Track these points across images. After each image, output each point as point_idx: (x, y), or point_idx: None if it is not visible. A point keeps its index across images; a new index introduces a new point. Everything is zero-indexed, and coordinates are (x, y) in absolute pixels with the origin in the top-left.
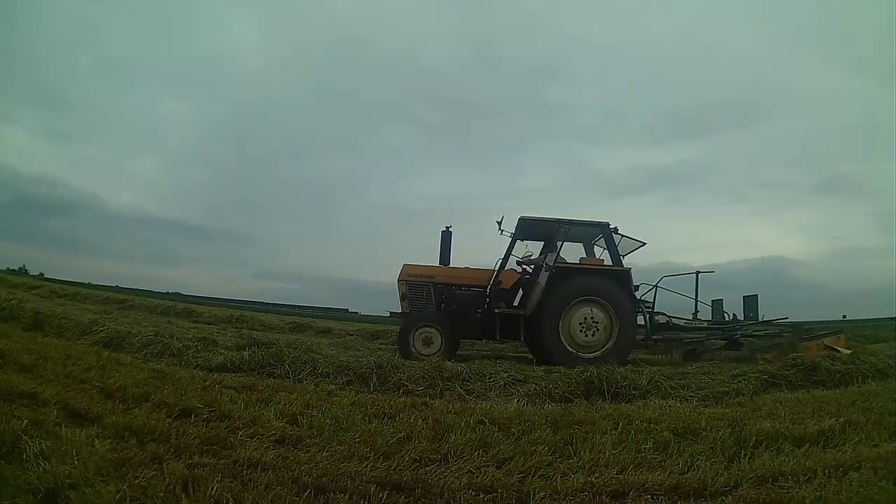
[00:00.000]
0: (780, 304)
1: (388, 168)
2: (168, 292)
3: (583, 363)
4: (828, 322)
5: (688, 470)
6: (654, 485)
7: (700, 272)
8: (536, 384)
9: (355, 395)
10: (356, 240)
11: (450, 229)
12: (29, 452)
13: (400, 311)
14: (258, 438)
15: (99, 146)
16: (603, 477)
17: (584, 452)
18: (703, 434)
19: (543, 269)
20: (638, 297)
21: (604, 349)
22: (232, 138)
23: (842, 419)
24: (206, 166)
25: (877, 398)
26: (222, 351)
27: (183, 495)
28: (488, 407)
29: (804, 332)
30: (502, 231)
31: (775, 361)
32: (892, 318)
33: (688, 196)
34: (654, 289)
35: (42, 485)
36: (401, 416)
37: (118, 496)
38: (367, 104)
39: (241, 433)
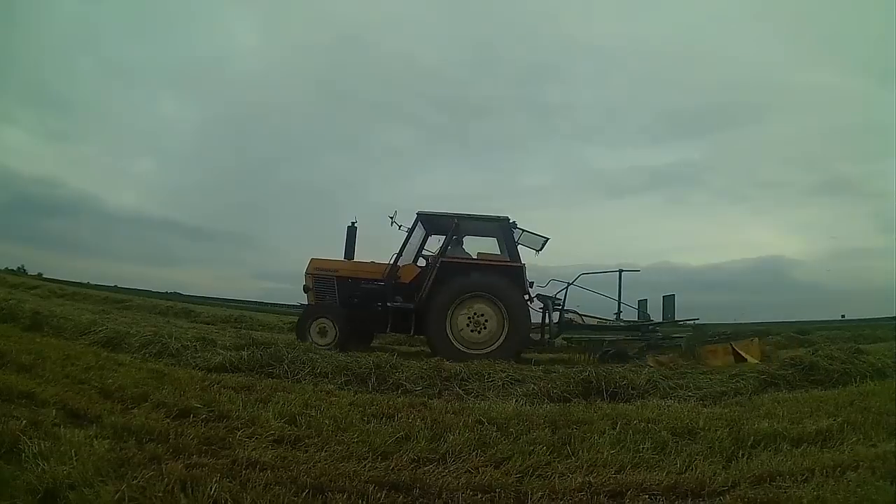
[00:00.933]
0: (780, 304)
1: (388, 168)
2: (167, 292)
3: (469, 359)
4: (827, 322)
5: (686, 470)
6: (652, 484)
7: (623, 270)
8: (535, 384)
9: (354, 395)
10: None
11: (355, 225)
12: (28, 452)
13: (307, 302)
14: (257, 438)
15: (98, 147)
16: (601, 477)
17: (583, 452)
18: (701, 434)
19: (429, 263)
20: (550, 296)
21: (492, 347)
22: (231, 139)
23: (840, 419)
24: (205, 167)
25: (875, 398)
26: (221, 351)
27: (182, 495)
28: (486, 407)
29: (707, 335)
30: (400, 227)
31: (670, 364)
32: (890, 318)
33: (687, 196)
34: (567, 287)
35: (41, 485)
36: (399, 416)
37: (117, 496)
38: (367, 104)
39: (239, 433)
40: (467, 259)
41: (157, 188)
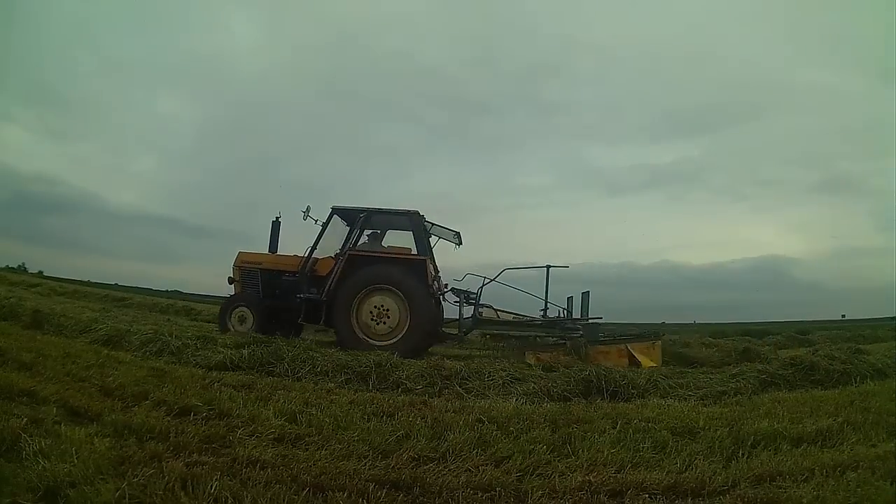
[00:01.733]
0: (780, 304)
1: (388, 166)
2: (167, 290)
3: (372, 350)
4: (827, 321)
5: (686, 469)
6: (652, 484)
7: (551, 266)
8: (535, 383)
9: (354, 394)
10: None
11: (279, 220)
12: (28, 450)
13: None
14: (257, 437)
15: (98, 145)
16: (601, 476)
17: (583, 451)
18: (702, 433)
19: (336, 256)
20: (464, 290)
21: (395, 339)
22: (232, 137)
23: (840, 419)
24: (205, 165)
25: (875, 398)
26: (221, 349)
27: (182, 493)
28: (487, 405)
29: (598, 334)
30: (316, 220)
31: (551, 362)
32: (890, 318)
33: (687, 194)
34: (484, 282)
35: (41, 483)
36: (399, 414)
37: (117, 494)
38: (368, 103)
39: (240, 431)
40: (372, 252)
41: (158, 186)
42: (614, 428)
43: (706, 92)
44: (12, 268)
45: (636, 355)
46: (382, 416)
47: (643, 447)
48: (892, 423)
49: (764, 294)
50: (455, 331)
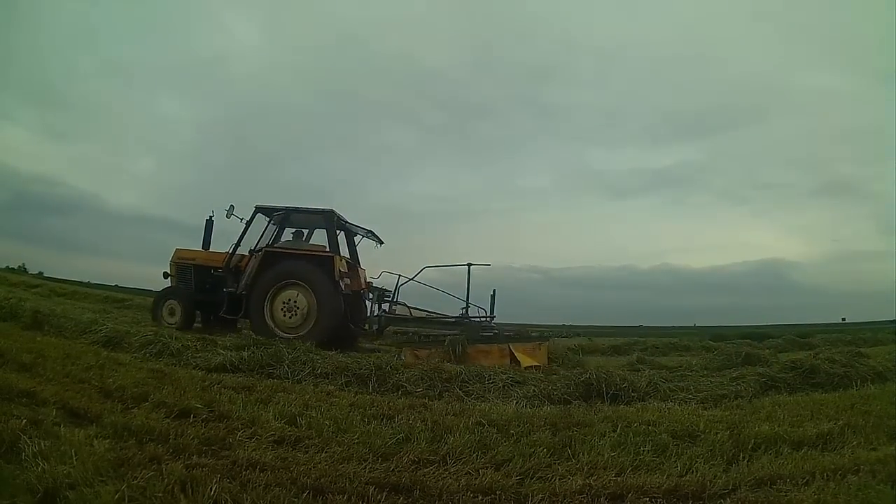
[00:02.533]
0: (780, 307)
1: (387, 168)
2: None
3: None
4: (827, 325)
5: (686, 472)
6: (652, 487)
7: (472, 265)
8: (535, 386)
9: (354, 396)
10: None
11: (212, 218)
12: (28, 452)
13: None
14: (257, 439)
15: (99, 145)
16: (601, 479)
17: (583, 454)
18: (702, 437)
19: (251, 252)
20: (380, 288)
21: (303, 331)
22: (232, 138)
23: (840, 422)
24: (205, 166)
25: (876, 401)
26: (221, 351)
27: (181, 496)
28: (487, 408)
29: (478, 333)
30: (241, 219)
31: (427, 359)
32: (891, 322)
33: (688, 197)
34: (399, 280)
35: (41, 484)
36: (400, 417)
37: (117, 496)
38: (367, 105)
39: (239, 434)
40: (284, 249)
41: (158, 187)
42: (615, 431)
43: (707, 95)
44: (12, 268)
45: (517, 354)
46: (382, 419)
47: (644, 450)
48: (892, 427)
49: (764, 297)
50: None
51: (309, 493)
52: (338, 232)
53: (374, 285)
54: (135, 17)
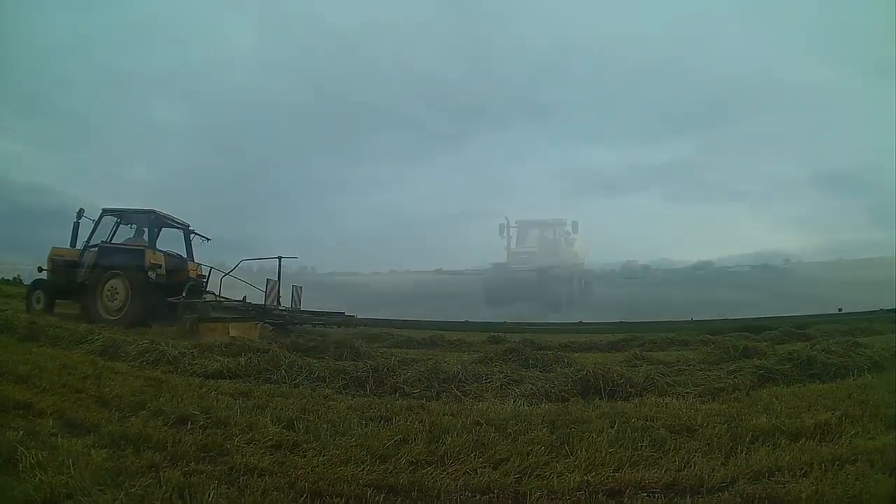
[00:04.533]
0: (777, 299)
1: (384, 170)
2: None
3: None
4: (824, 315)
5: (684, 467)
6: (650, 482)
7: (283, 258)
8: (533, 384)
9: (351, 399)
10: (354, 243)
11: (79, 221)
12: (25, 463)
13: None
14: (255, 444)
15: (93, 154)
16: (599, 475)
17: (581, 451)
18: (700, 430)
19: (85, 247)
20: (194, 279)
21: (121, 315)
22: (226, 143)
23: (838, 413)
24: (199, 172)
25: (873, 391)
26: (218, 357)
27: (180, 503)
28: (485, 408)
29: (210, 315)
30: (93, 220)
31: (174, 335)
32: (888, 311)
33: (684, 192)
34: (210, 272)
35: (39, 495)
36: (397, 419)
37: None
38: (363, 108)
39: (237, 439)
40: (108, 244)
41: (153, 195)
42: (612, 427)
43: (702, 89)
44: (8, 280)
45: (231, 332)
46: (380, 421)
47: (641, 446)
48: (890, 416)
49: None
50: (220, 314)
51: (307, 496)
52: (161, 229)
53: (192, 279)
54: (128, 25)
